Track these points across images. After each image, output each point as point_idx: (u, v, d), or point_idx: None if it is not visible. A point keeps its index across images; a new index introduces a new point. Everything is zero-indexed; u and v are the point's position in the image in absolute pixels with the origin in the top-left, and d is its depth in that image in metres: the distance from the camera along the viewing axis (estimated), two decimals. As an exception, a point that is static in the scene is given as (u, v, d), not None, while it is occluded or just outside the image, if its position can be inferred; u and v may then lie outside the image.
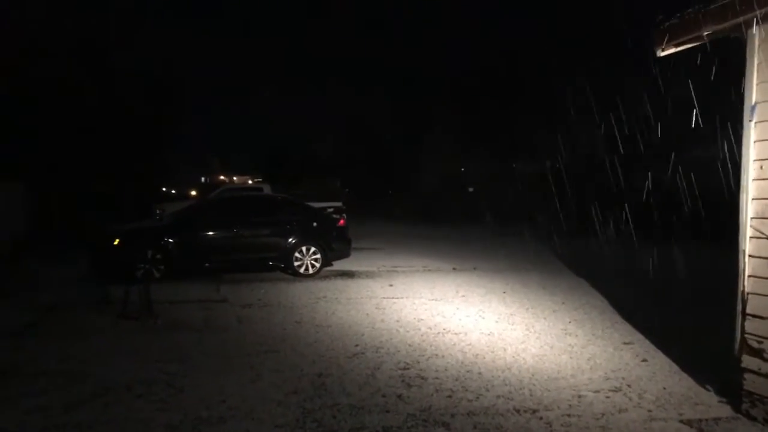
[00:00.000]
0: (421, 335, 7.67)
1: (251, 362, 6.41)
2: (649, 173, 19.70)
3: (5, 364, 6.23)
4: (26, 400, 5.20)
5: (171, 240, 11.92)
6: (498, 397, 5.40)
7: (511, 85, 33.93)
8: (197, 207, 14.25)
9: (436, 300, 10.08)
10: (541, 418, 4.89)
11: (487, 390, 5.58)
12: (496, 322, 8.50)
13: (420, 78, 44.68)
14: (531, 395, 5.45)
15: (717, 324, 6.02)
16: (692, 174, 15.40)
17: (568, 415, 4.95)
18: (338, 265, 13.69)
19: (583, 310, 9.33)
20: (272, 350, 6.91)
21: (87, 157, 23.01)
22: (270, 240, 12.62)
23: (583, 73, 24.42)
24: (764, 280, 4.82)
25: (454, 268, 13.98)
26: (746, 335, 4.95)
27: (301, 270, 12.61)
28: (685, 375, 6.04)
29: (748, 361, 4.94)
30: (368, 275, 12.89)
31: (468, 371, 6.16)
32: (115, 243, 11.75)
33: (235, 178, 74.98)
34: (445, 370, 6.20)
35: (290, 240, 12.67)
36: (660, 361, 6.56)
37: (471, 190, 39.17)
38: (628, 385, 5.75)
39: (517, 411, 5.05)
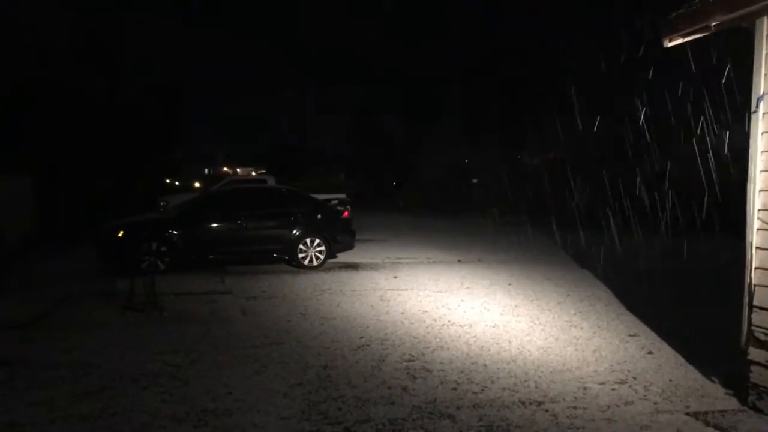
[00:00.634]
0: (426, 327, 7.67)
1: (256, 354, 6.42)
2: (655, 165, 19.65)
3: (12, 357, 6.25)
4: (33, 392, 5.22)
5: (175, 232, 11.93)
6: (503, 389, 5.39)
7: (517, 75, 33.81)
8: (201, 199, 14.25)
9: (440, 292, 10.08)
10: (546, 411, 4.88)
11: (493, 382, 5.58)
12: (501, 314, 8.49)
13: (425, 70, 44.64)
14: (536, 387, 5.44)
15: (723, 316, 6.00)
16: (700, 166, 15.34)
17: (574, 408, 4.95)
18: (342, 257, 13.69)
19: (588, 301, 9.32)
20: (277, 342, 6.92)
21: (94, 154, 23.08)
22: (274, 232, 12.62)
23: (588, 64, 24.33)
24: (771, 272, 4.80)
25: (458, 260, 13.97)
26: (753, 327, 4.93)
27: (306, 262, 12.62)
28: (691, 367, 6.02)
29: (754, 353, 4.92)
30: (373, 267, 12.89)
31: (473, 363, 6.15)
32: (120, 236, 11.78)
33: (238, 170, 75.01)
34: (450, 362, 6.19)
35: (294, 232, 12.67)
36: (666, 353, 6.54)
37: (475, 181, 39.12)
38: (634, 378, 5.73)
39: (523, 403, 5.05)
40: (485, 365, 6.10)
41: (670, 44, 5.56)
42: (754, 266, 4.94)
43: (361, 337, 7.15)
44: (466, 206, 32.17)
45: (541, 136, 29.37)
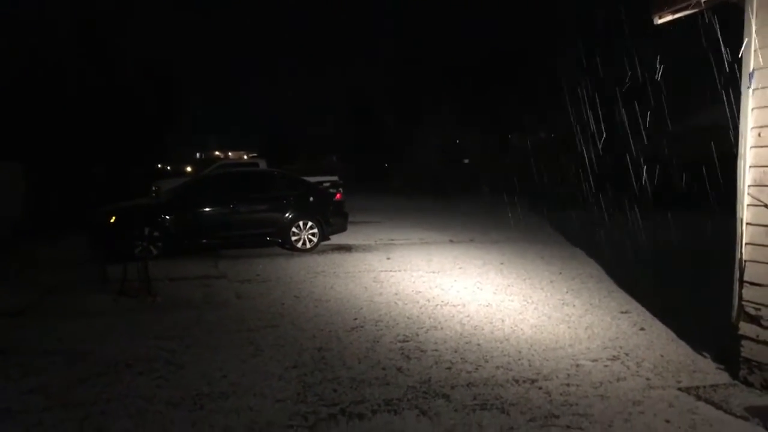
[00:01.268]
0: (420, 308, 7.70)
1: (251, 337, 6.44)
2: (645, 143, 19.65)
3: (6, 344, 6.24)
4: (27, 380, 5.22)
5: (168, 217, 11.90)
6: (497, 368, 5.43)
7: (507, 56, 33.69)
8: (193, 183, 14.19)
9: (433, 272, 10.11)
10: (540, 388, 4.92)
11: (486, 361, 5.61)
12: (494, 293, 8.53)
13: (415, 52, 44.38)
14: (530, 365, 5.48)
15: (714, 292, 6.04)
16: (690, 143, 15.38)
17: (567, 385, 4.99)
18: (335, 240, 13.70)
19: (580, 279, 9.37)
20: (272, 325, 6.93)
21: (86, 140, 22.93)
22: (267, 215, 12.59)
23: (577, 43, 24.25)
24: (762, 247, 4.83)
25: (451, 240, 14.00)
26: (744, 302, 4.97)
27: (299, 245, 12.62)
28: (682, 343, 6.07)
29: (745, 328, 4.96)
30: (365, 249, 12.91)
31: (467, 343, 6.19)
32: (112, 221, 11.73)
33: (230, 154, 74.67)
34: (444, 342, 6.23)
35: (287, 215, 12.65)
36: (657, 329, 6.60)
37: (466, 162, 39.11)
38: (626, 354, 5.78)
39: (517, 381, 5.09)
40: (479, 344, 6.13)
41: (660, 21, 5.55)
42: (744, 242, 4.97)
43: (355, 319, 7.17)
44: (457, 187, 32.17)
45: (531, 117, 29.32)
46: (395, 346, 6.08)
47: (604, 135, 20.66)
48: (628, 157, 19.56)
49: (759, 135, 4.86)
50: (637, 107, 19.56)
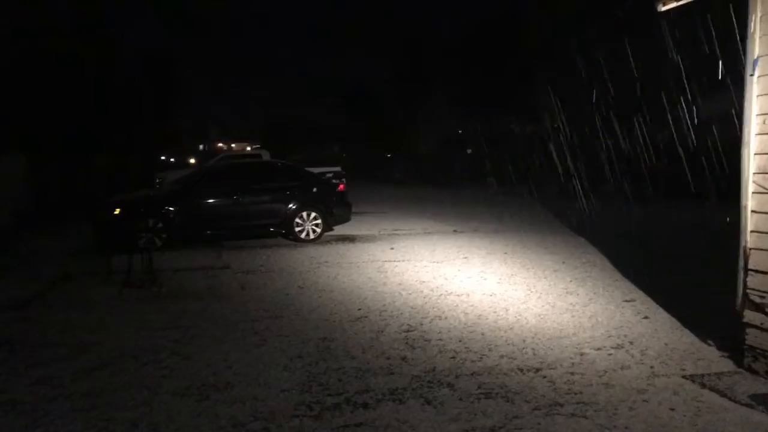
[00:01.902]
0: (424, 297, 7.70)
1: (256, 328, 6.45)
2: (648, 132, 19.59)
3: (11, 336, 6.26)
4: (33, 371, 5.24)
5: (172, 209, 11.91)
6: (501, 357, 5.44)
7: (509, 44, 33.46)
8: (197, 175, 14.19)
9: (437, 262, 10.11)
10: (544, 377, 4.93)
11: (490, 350, 5.62)
12: (498, 282, 8.53)
13: (418, 40, 44.18)
14: (534, 354, 5.49)
15: (718, 280, 6.03)
16: (693, 131, 15.32)
17: (571, 373, 4.99)
18: (339, 230, 13.70)
19: (584, 268, 9.36)
20: (276, 316, 6.95)
21: (87, 131, 22.94)
22: (270, 206, 12.60)
23: (581, 32, 24.12)
24: (767, 235, 4.81)
25: (454, 230, 13.99)
26: (748, 290, 4.96)
27: (302, 235, 12.63)
28: (686, 331, 6.07)
29: (750, 316, 4.96)
30: (369, 239, 12.91)
31: (471, 332, 6.19)
32: (117, 213, 11.75)
33: (233, 145, 74.54)
34: (449, 331, 6.23)
35: (291, 206, 12.65)
36: (661, 317, 6.60)
37: (469, 151, 39.01)
38: (630, 342, 5.78)
39: (521, 370, 5.09)
40: (483, 334, 6.14)
41: (664, 8, 5.51)
42: (749, 229, 4.95)
43: (360, 309, 7.18)
44: (460, 177, 32.13)
45: (534, 106, 29.18)
46: (400, 336, 6.09)
47: (609, 125, 20.61)
48: (635, 145, 19.54)
49: (764, 122, 4.83)
50: (640, 98, 19.50)
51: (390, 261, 10.30)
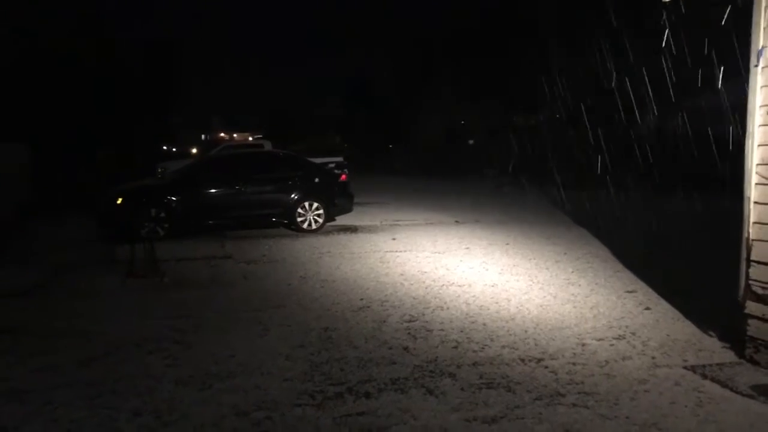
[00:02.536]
0: (426, 288, 7.72)
1: (258, 318, 6.47)
2: (650, 123, 19.54)
3: (14, 325, 6.29)
4: (37, 359, 5.26)
5: (174, 198, 11.92)
6: (503, 347, 5.45)
7: (510, 35, 33.30)
8: (199, 164, 14.20)
9: (439, 253, 10.12)
10: (546, 367, 4.94)
11: (492, 340, 5.63)
12: (500, 273, 8.54)
13: (419, 30, 43.98)
14: (536, 345, 5.50)
15: (719, 271, 6.02)
16: (697, 122, 15.27)
17: (573, 364, 5.01)
18: (341, 220, 13.70)
19: (586, 259, 9.37)
20: (278, 305, 6.97)
21: (89, 121, 22.95)
22: (273, 196, 12.60)
23: (581, 21, 24.03)
24: (769, 226, 4.81)
25: (456, 221, 14.00)
26: (750, 281, 4.96)
27: (304, 226, 12.63)
28: (688, 322, 6.07)
29: (752, 307, 4.96)
30: (371, 230, 12.92)
31: (473, 322, 6.21)
32: (119, 202, 11.76)
33: (235, 135, 74.48)
34: (450, 321, 6.25)
35: (293, 196, 12.65)
36: (663, 308, 6.60)
37: (471, 142, 38.94)
38: (632, 333, 5.79)
39: (522, 360, 5.11)
40: (485, 324, 6.15)
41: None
42: (751, 221, 4.95)
43: (362, 299, 7.20)
44: (462, 168, 32.08)
45: (535, 97, 29.07)
46: (401, 326, 6.10)
47: (611, 116, 20.54)
48: (637, 136, 19.49)
49: (768, 113, 4.82)
50: (644, 88, 19.44)
51: (392, 251, 10.31)
